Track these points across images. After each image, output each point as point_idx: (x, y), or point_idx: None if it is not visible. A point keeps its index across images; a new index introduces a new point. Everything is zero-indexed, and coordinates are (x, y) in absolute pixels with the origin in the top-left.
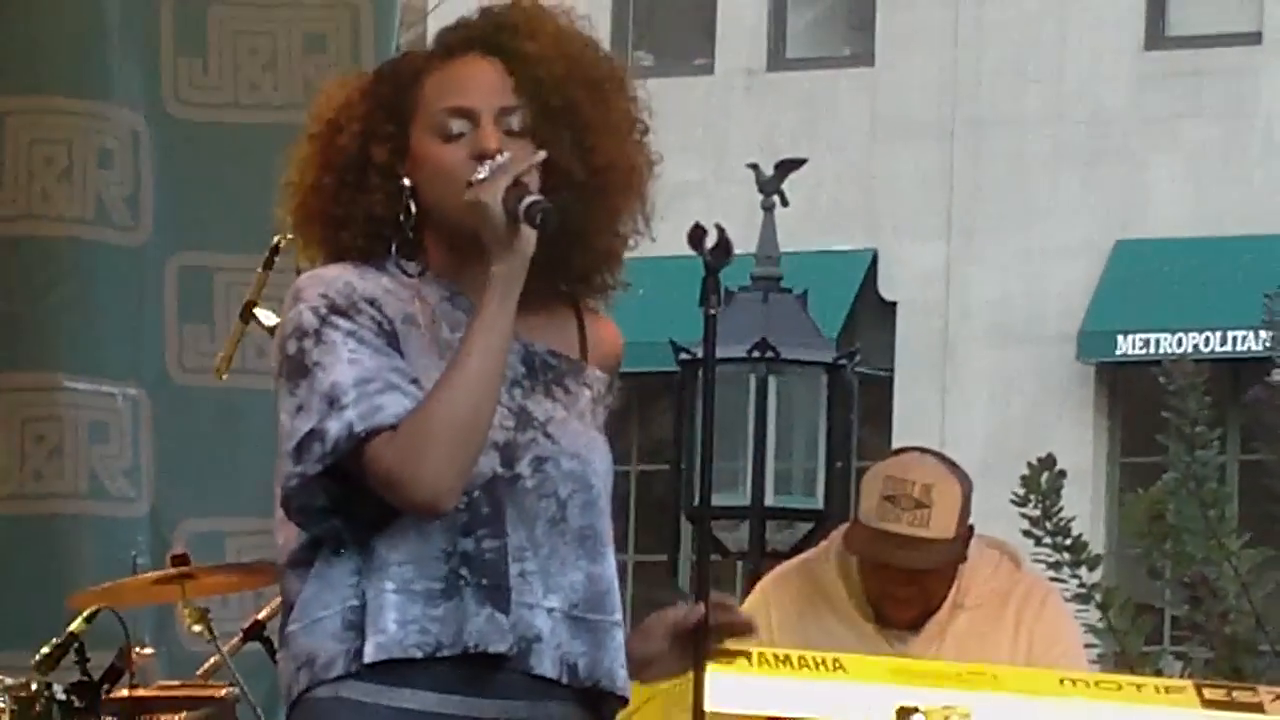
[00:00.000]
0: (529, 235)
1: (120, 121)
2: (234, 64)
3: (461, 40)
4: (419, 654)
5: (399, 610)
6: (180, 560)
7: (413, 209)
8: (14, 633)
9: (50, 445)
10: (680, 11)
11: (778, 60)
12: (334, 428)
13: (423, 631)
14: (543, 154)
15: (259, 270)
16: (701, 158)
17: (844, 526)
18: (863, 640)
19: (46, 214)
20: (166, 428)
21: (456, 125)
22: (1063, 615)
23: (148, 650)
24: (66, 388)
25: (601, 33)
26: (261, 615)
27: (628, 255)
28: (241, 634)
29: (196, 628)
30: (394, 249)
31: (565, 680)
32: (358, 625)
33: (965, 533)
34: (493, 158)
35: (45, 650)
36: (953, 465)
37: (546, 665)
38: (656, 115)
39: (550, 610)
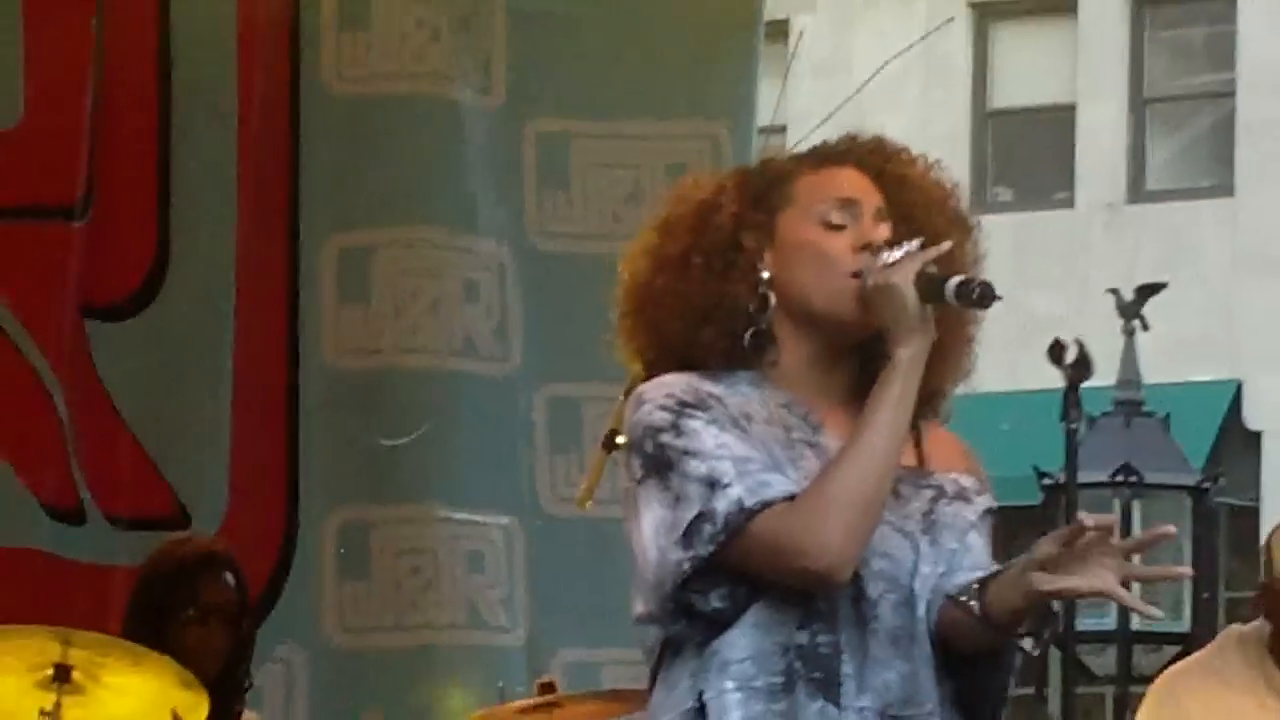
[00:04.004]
0: (932, 322)
1: (486, 253)
2: (597, 195)
3: (836, 154)
4: None
5: (743, 708)
6: (547, 688)
7: (771, 301)
8: None
9: (426, 576)
10: (1039, 146)
11: (1138, 192)
12: (722, 506)
13: None
14: (949, 244)
15: (620, 398)
16: (1063, 291)
17: (1233, 629)
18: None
19: (415, 346)
20: (540, 558)
21: (838, 216)
22: None
23: None
24: (441, 518)
25: (960, 167)
26: None
27: (992, 389)
28: None
29: None
30: (746, 340)
31: None
32: None
33: None
34: (874, 250)
35: None
36: None
37: None
38: (1017, 250)
39: (861, 709)
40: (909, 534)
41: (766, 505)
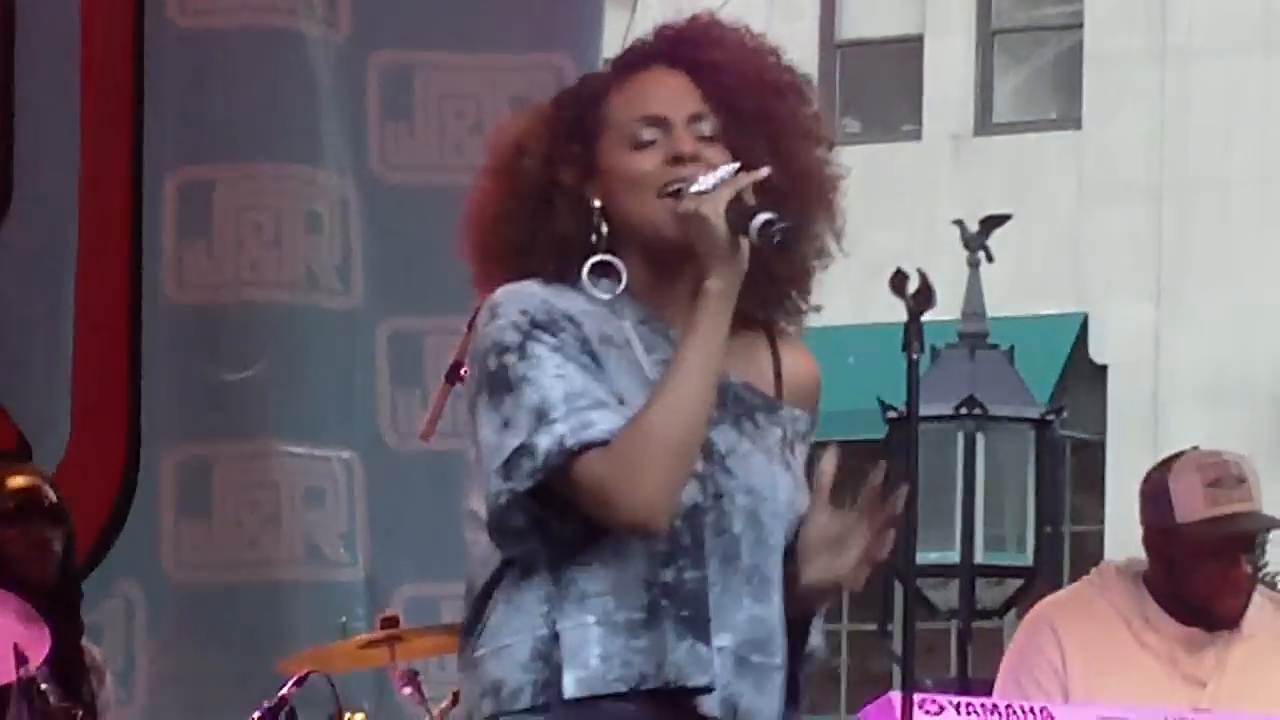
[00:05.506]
0: (746, 251)
1: (328, 187)
2: (440, 127)
3: (642, 56)
4: (623, 688)
5: (602, 644)
6: (389, 623)
7: (604, 230)
8: (232, 698)
9: (266, 511)
10: (887, 78)
11: (985, 124)
12: (544, 442)
13: (625, 664)
14: (766, 170)
15: (465, 331)
16: (909, 224)
17: (1109, 563)
18: (1158, 661)
19: (256, 281)
20: (381, 492)
21: (648, 133)
22: None
23: (360, 715)
24: (281, 454)
25: None
26: None
27: (838, 323)
28: (452, 696)
29: (406, 690)
30: (585, 271)
31: None
32: (546, 656)
33: None
34: (686, 161)
35: (257, 715)
36: None
37: (712, 704)
38: (864, 182)
39: (720, 648)
40: (773, 470)
41: (586, 446)
